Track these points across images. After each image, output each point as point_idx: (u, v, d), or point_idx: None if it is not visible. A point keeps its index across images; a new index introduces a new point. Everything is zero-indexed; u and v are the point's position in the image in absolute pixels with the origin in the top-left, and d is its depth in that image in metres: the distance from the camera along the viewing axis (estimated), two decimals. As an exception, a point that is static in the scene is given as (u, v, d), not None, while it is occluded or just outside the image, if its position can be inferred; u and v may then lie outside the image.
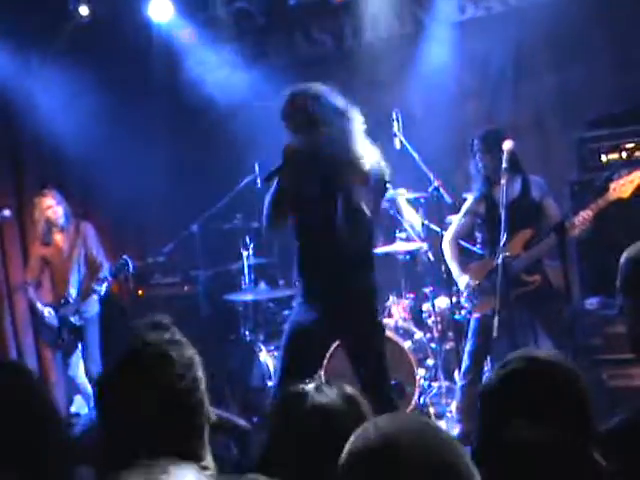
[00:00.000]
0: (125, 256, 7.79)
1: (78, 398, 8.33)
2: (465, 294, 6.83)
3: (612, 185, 5.84)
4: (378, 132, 8.56)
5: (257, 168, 8.13)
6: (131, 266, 7.75)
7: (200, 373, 2.66)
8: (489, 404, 2.38)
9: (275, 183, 5.20)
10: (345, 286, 5.22)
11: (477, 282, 6.75)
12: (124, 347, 2.68)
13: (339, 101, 5.32)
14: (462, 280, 6.86)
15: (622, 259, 2.78)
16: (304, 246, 5.37)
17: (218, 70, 9.87)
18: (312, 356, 5.47)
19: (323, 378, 5.62)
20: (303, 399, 2.60)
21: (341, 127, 5.23)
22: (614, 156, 7.51)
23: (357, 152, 5.22)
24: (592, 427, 2.30)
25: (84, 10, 8.94)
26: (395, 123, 7.49)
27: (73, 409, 8.38)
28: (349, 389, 2.70)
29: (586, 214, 6.04)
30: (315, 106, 5.21)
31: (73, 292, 8.08)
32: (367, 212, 5.08)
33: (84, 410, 8.13)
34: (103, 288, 7.85)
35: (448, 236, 7.04)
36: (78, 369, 8.15)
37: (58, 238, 8.17)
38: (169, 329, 2.75)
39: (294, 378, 3.28)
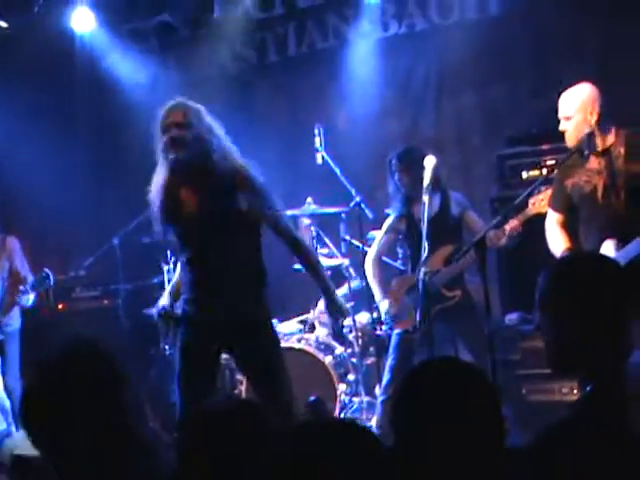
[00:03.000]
0: (46, 269, 7.70)
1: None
2: (385, 317, 6.86)
3: (531, 200, 5.90)
4: (300, 147, 8.66)
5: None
6: (52, 279, 7.67)
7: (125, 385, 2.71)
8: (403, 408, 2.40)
9: None
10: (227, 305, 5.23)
11: (399, 302, 6.78)
12: (50, 362, 2.70)
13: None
14: (383, 305, 6.88)
15: (540, 276, 2.81)
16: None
17: (141, 82, 9.81)
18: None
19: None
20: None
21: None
22: (535, 173, 7.60)
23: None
24: (502, 440, 2.32)
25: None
26: (317, 138, 7.49)
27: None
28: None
29: (514, 222, 6.08)
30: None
31: (-6, 307, 7.96)
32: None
33: (2, 425, 7.98)
34: (27, 300, 7.75)
35: (370, 255, 7.06)
36: (-3, 382, 8.01)
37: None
38: (94, 344, 2.73)
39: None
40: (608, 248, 5.28)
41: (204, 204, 5.19)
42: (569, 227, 5.69)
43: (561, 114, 5.59)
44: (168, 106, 5.25)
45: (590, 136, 5.52)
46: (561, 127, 5.61)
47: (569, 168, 5.67)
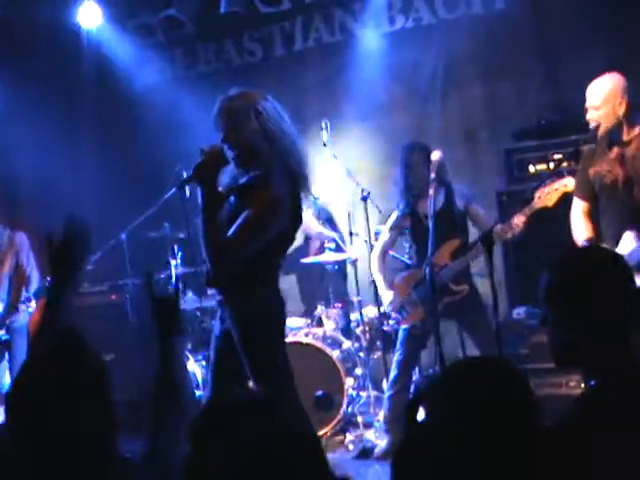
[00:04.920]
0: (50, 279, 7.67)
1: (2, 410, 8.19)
2: (388, 310, 6.85)
3: (537, 194, 5.89)
4: (307, 141, 8.64)
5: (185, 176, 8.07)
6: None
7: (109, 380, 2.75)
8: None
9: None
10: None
11: (404, 296, 6.76)
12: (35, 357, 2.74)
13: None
14: (386, 297, 6.87)
15: (545, 270, 2.80)
16: None
17: (147, 77, 9.82)
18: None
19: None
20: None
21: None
22: (542, 167, 7.60)
23: None
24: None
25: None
26: (324, 133, 7.48)
27: (-1, 419, 8.24)
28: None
29: (521, 216, 6.07)
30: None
31: (0, 305, 7.95)
32: None
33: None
34: (29, 306, 7.73)
35: (376, 250, 7.05)
36: (4, 378, 8.02)
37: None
38: (80, 339, 2.75)
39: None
40: (628, 239, 5.27)
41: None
42: (594, 216, 5.68)
43: (588, 103, 5.54)
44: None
45: (596, 131, 5.51)
46: (588, 117, 5.57)
47: (593, 157, 5.66)
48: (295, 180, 4.93)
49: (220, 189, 4.92)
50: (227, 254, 4.85)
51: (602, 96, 5.46)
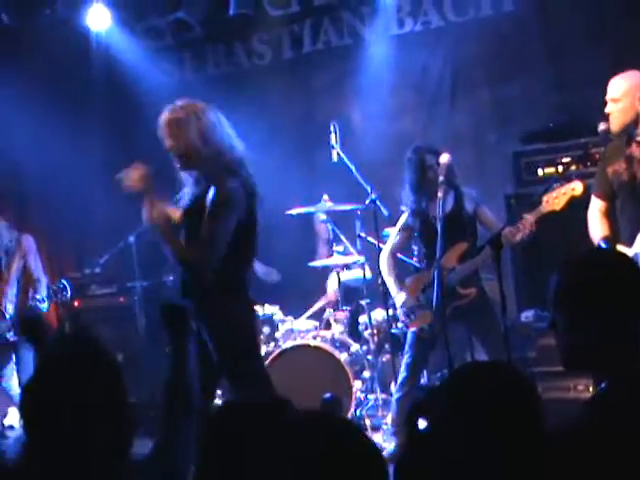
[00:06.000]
0: (64, 281, 7.70)
1: (12, 410, 8.21)
2: (402, 311, 6.82)
3: (545, 198, 5.89)
4: (316, 144, 8.66)
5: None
6: (69, 291, 7.67)
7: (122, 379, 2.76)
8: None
9: None
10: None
11: (415, 299, 6.75)
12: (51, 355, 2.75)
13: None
14: (399, 298, 6.82)
15: (553, 273, 2.80)
16: None
17: (156, 80, 9.83)
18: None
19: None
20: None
21: None
22: (550, 170, 7.59)
23: None
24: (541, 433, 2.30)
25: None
26: (333, 135, 7.48)
27: (6, 422, 8.25)
28: None
29: (529, 220, 6.05)
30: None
31: (10, 307, 7.96)
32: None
33: (18, 422, 8.01)
34: (42, 307, 7.74)
35: (385, 252, 7.02)
36: (12, 380, 8.04)
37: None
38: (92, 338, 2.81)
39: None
40: None
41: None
42: (612, 215, 5.68)
43: (609, 96, 5.56)
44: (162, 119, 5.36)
45: (606, 132, 5.52)
46: (607, 109, 5.58)
47: (612, 155, 5.66)
48: (242, 180, 5.23)
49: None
50: (201, 258, 5.12)
51: (623, 90, 5.49)
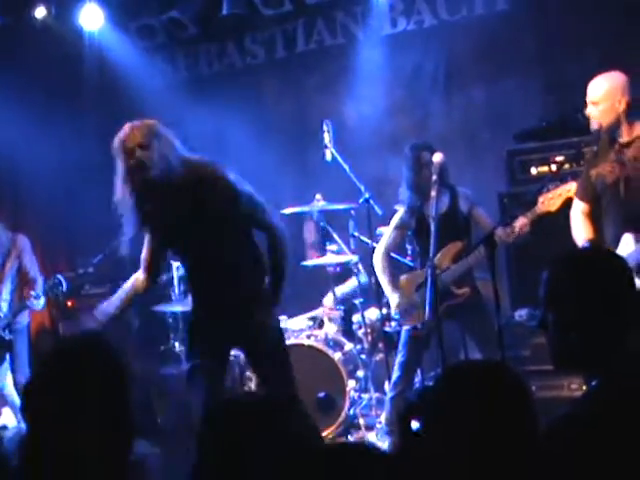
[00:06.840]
0: (59, 276, 7.69)
1: (6, 410, 8.20)
2: (395, 311, 6.82)
3: (540, 198, 5.88)
4: (309, 143, 8.66)
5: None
6: (64, 286, 7.65)
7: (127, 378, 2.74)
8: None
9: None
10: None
11: (408, 298, 6.74)
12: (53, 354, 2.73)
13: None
14: (393, 298, 6.82)
15: (544, 273, 2.80)
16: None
17: (149, 80, 9.81)
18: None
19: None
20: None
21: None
22: (544, 169, 7.59)
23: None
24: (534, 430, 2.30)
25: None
26: (326, 134, 7.47)
27: (0, 422, 8.25)
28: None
29: (523, 221, 6.04)
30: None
31: (4, 306, 7.95)
32: None
33: (12, 423, 8.01)
34: (38, 304, 7.73)
35: (379, 250, 7.01)
36: (6, 380, 8.02)
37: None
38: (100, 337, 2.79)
39: None
40: (628, 241, 5.27)
41: (184, 217, 5.33)
42: (595, 217, 5.68)
43: (589, 98, 5.55)
44: (126, 128, 5.56)
45: (598, 132, 5.52)
46: (587, 111, 5.58)
47: (595, 157, 5.66)
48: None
49: None
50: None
51: (602, 92, 5.48)
